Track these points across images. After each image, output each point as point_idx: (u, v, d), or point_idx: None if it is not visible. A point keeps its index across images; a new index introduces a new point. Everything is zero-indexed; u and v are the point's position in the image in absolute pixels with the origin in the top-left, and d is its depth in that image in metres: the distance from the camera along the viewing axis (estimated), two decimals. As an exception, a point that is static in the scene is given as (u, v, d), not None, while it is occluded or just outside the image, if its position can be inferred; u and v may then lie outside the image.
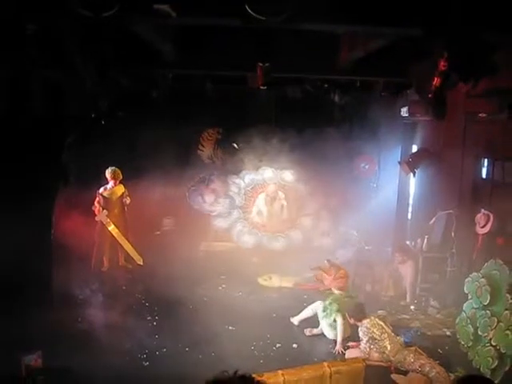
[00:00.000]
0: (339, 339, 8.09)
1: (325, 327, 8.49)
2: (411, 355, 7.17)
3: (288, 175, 12.85)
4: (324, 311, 8.46)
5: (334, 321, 8.24)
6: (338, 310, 8.21)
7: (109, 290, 9.70)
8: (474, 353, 7.56)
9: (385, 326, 7.40)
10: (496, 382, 6.75)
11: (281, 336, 8.51)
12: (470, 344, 7.67)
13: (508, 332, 7.01)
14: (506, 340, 6.99)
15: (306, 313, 8.81)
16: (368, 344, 7.24)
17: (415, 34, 5.39)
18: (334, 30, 6.71)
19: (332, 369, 6.20)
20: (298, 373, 6.10)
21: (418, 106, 9.43)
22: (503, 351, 7.01)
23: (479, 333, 7.51)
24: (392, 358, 7.23)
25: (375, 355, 7.22)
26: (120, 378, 6.90)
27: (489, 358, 7.17)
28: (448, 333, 8.58)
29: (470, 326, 7.76)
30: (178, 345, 8.03)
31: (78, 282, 9.43)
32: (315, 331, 8.60)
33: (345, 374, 6.27)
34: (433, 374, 6.87)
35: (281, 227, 12.91)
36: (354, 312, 7.65)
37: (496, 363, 7.06)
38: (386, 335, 7.29)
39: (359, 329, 7.48)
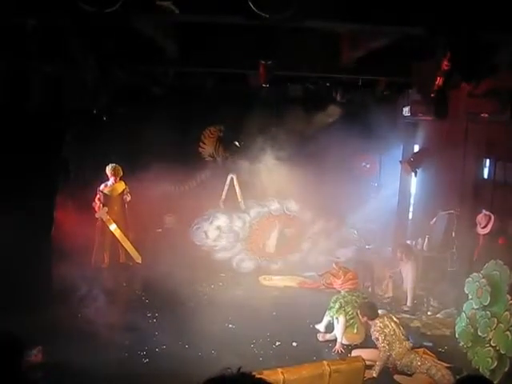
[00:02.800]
0: (339, 339, 8.08)
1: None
2: (417, 358, 7.16)
3: (293, 205, 12.43)
4: (329, 309, 8.39)
5: (337, 320, 8.19)
6: (341, 308, 8.17)
7: (109, 287, 9.70)
8: (473, 353, 7.56)
9: (396, 329, 7.38)
10: (495, 382, 6.74)
11: (280, 334, 8.50)
12: (470, 344, 7.67)
13: (508, 333, 7.00)
14: (506, 341, 6.99)
15: (328, 317, 8.51)
16: (386, 342, 7.21)
17: (418, 33, 5.38)
18: (337, 29, 6.70)
19: (332, 367, 6.17)
20: (297, 371, 6.08)
21: (420, 105, 9.41)
22: (503, 352, 7.00)
23: (479, 333, 7.50)
24: (397, 362, 7.22)
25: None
26: (120, 374, 6.90)
27: (488, 359, 7.16)
28: (448, 333, 8.58)
29: (469, 326, 7.76)
30: (177, 342, 8.02)
31: (78, 278, 9.41)
32: (328, 336, 8.43)
33: (344, 372, 6.25)
34: (438, 376, 6.88)
35: (281, 253, 12.51)
36: (367, 311, 7.64)
37: (495, 364, 7.05)
38: (395, 337, 7.27)
39: (372, 329, 7.47)
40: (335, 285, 8.84)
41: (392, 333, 7.31)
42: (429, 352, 7.64)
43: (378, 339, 7.29)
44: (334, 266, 9.11)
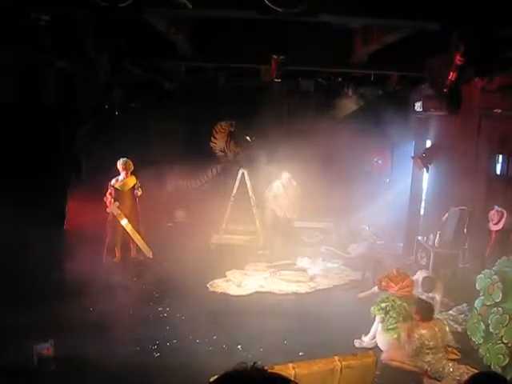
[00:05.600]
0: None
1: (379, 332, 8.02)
2: (450, 365, 6.99)
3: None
4: (374, 305, 8.05)
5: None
6: (382, 310, 7.87)
7: (120, 281, 9.72)
8: (485, 350, 7.51)
9: (439, 340, 7.11)
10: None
11: (291, 329, 8.49)
12: (481, 341, 7.63)
13: (520, 330, 6.97)
14: (518, 338, 6.96)
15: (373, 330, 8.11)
16: (416, 351, 7.03)
17: (431, 28, 5.36)
18: (350, 23, 6.69)
19: (343, 363, 6.14)
20: (308, 366, 6.06)
21: (432, 100, 9.37)
22: (515, 349, 6.97)
23: (490, 330, 7.46)
24: (428, 368, 7.05)
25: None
26: (130, 368, 6.92)
27: (500, 356, 7.12)
28: (459, 329, 8.52)
29: (481, 322, 7.72)
30: (188, 336, 8.04)
31: (89, 272, 9.46)
32: (365, 344, 8.01)
33: (356, 368, 6.23)
34: None
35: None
36: (423, 310, 7.31)
37: (507, 361, 7.00)
38: (433, 350, 7.05)
39: (415, 331, 7.18)
40: (391, 289, 8.62)
41: (431, 345, 7.07)
42: (455, 351, 7.56)
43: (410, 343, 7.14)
44: (394, 271, 8.89)
